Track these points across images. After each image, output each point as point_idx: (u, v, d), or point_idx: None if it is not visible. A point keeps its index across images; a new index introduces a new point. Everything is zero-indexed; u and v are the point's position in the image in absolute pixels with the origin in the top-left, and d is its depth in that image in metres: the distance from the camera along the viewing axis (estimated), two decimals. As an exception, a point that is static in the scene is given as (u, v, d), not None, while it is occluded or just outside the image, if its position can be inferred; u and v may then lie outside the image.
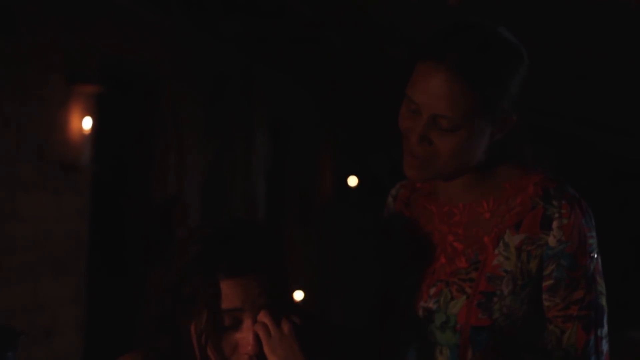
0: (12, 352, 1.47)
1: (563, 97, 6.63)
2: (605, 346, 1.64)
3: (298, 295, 7.61)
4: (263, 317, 1.49)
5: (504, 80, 1.59)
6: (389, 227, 1.83)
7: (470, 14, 1.79)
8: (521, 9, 4.28)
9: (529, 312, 1.62)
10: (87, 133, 4.80)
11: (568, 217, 1.60)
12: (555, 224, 1.60)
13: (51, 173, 4.65)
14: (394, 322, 1.72)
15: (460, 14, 3.64)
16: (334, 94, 8.65)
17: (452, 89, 1.55)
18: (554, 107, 6.42)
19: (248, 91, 7.09)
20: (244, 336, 1.50)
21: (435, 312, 1.64)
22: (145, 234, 5.65)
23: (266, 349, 1.48)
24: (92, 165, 4.92)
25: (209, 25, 6.03)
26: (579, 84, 6.47)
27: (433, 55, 1.58)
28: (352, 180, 9.48)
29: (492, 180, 1.69)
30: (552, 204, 1.61)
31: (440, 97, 1.56)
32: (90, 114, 4.83)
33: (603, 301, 1.64)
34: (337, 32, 6.04)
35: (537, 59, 1.72)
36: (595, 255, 1.62)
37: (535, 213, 1.62)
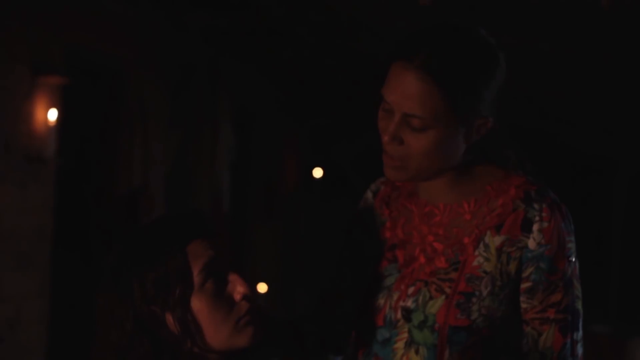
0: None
1: (526, 92, 6.69)
2: (580, 349, 1.67)
3: (261, 287, 7.60)
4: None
5: (476, 82, 1.58)
6: (367, 224, 1.82)
7: (437, 11, 1.80)
8: (486, 8, 4.30)
9: (507, 313, 1.64)
10: (52, 125, 4.77)
11: (548, 220, 1.62)
12: (535, 227, 1.62)
13: (16, 165, 4.60)
14: (371, 321, 1.72)
15: (427, 12, 3.66)
16: (299, 86, 8.65)
17: (421, 88, 1.55)
18: (517, 102, 6.48)
19: (213, 83, 7.06)
20: (232, 279, 1.53)
21: (413, 311, 1.65)
22: (110, 226, 5.61)
23: None
24: (57, 157, 4.88)
25: (174, 16, 5.99)
26: (542, 79, 6.53)
27: (404, 54, 1.58)
28: (317, 172, 9.48)
29: (473, 181, 1.69)
30: (533, 207, 1.63)
31: (410, 96, 1.56)
32: (55, 106, 4.79)
33: (579, 305, 1.66)
34: (303, 25, 6.04)
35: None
36: (574, 259, 1.64)
37: (516, 215, 1.63)
